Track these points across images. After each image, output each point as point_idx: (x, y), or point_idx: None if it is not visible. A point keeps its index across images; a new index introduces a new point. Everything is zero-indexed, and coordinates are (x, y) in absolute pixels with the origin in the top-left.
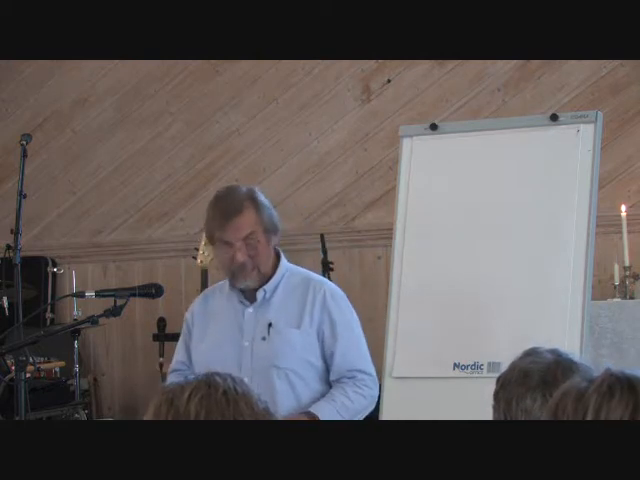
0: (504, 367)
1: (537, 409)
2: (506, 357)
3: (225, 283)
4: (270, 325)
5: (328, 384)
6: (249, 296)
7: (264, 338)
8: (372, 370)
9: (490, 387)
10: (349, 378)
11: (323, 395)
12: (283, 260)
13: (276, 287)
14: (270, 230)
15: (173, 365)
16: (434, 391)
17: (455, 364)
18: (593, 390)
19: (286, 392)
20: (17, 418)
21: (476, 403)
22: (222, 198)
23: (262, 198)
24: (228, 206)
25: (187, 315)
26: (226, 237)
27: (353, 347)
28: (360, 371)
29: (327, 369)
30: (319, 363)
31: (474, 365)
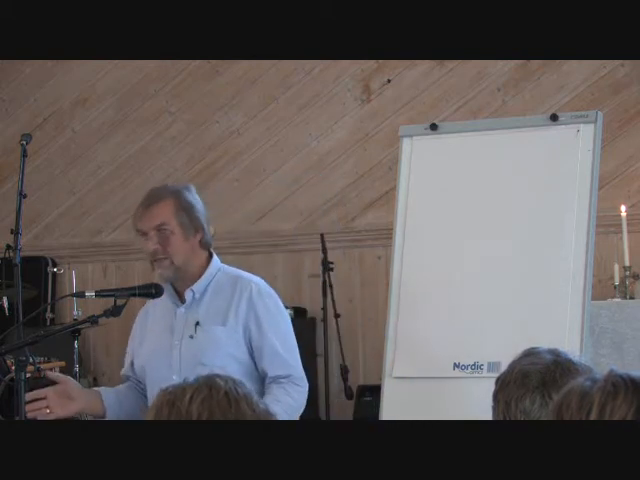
0: (504, 367)
1: (536, 410)
2: (506, 357)
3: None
4: (197, 324)
5: (258, 382)
6: (182, 297)
7: (192, 336)
8: (300, 366)
9: (490, 387)
10: (285, 377)
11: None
12: (214, 262)
13: (206, 288)
14: (188, 227)
15: (123, 371)
16: (434, 391)
17: (455, 364)
18: (598, 388)
19: None
20: (17, 418)
21: (476, 403)
22: (149, 191)
23: (190, 197)
24: (149, 197)
25: (134, 327)
26: (140, 226)
27: (284, 342)
28: (293, 367)
29: (255, 366)
30: (245, 358)
31: (474, 365)
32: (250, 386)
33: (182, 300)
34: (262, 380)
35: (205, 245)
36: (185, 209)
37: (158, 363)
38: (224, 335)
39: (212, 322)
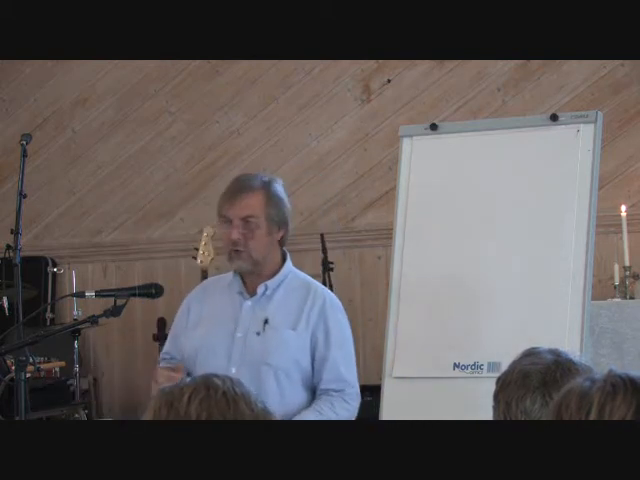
0: (504, 367)
1: (537, 410)
2: (506, 357)
3: (227, 275)
4: (266, 321)
5: (310, 390)
6: (250, 289)
7: (258, 333)
8: (357, 384)
9: (490, 387)
10: (337, 392)
11: (305, 401)
12: (289, 262)
13: (278, 286)
14: (274, 221)
15: (165, 348)
16: (434, 391)
17: (455, 364)
18: (597, 388)
19: (273, 390)
20: (17, 418)
21: (476, 403)
22: (239, 177)
23: (279, 190)
24: (240, 185)
25: (184, 303)
26: (227, 213)
27: (345, 358)
28: (349, 384)
29: (312, 375)
30: (307, 365)
31: (474, 365)
32: (306, 394)
33: (249, 292)
34: (314, 388)
35: (283, 242)
36: (275, 204)
37: (215, 352)
38: (293, 339)
39: (282, 323)
